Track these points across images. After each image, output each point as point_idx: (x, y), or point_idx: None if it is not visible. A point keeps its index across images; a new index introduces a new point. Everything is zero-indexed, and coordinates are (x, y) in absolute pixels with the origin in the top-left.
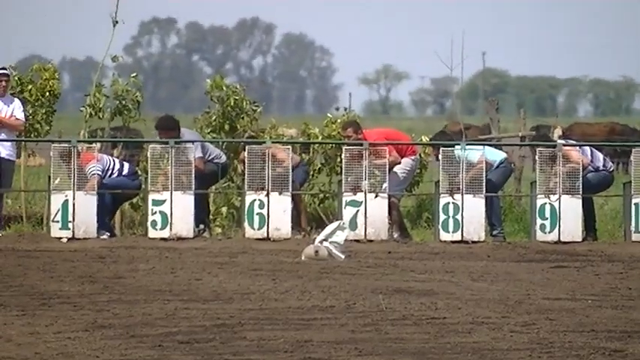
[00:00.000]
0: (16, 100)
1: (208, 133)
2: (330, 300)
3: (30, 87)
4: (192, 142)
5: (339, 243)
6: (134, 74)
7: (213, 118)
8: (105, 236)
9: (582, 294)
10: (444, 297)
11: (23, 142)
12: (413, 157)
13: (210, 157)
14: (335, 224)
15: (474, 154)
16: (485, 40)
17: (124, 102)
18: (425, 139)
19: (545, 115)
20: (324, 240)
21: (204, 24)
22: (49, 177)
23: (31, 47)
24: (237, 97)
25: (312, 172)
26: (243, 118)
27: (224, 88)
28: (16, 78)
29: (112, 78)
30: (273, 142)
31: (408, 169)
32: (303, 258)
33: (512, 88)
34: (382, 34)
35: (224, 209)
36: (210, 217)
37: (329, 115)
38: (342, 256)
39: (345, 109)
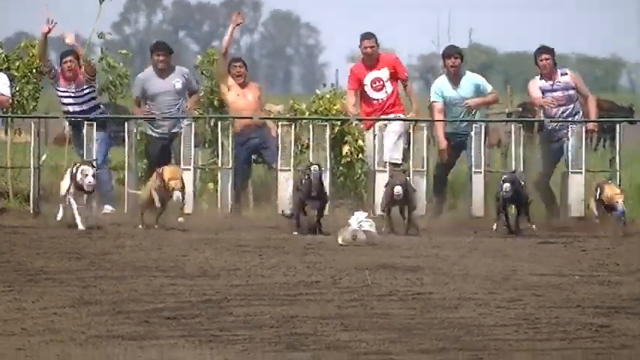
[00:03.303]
0: (1, 74)
1: (196, 109)
2: (315, 276)
3: (17, 63)
4: (180, 117)
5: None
6: (124, 51)
7: (202, 94)
8: (108, 210)
9: (569, 270)
10: (431, 272)
11: (9, 119)
12: None
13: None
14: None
15: None
16: (473, 16)
17: (111, 77)
18: (412, 114)
19: None
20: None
21: (191, 0)
22: (33, 152)
23: (19, 25)
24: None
25: (299, 148)
26: None
27: (214, 63)
28: (3, 55)
29: (100, 55)
30: (260, 118)
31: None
32: (340, 241)
33: (499, 65)
34: (369, 11)
35: (211, 185)
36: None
37: (317, 91)
38: (377, 234)
39: (333, 86)
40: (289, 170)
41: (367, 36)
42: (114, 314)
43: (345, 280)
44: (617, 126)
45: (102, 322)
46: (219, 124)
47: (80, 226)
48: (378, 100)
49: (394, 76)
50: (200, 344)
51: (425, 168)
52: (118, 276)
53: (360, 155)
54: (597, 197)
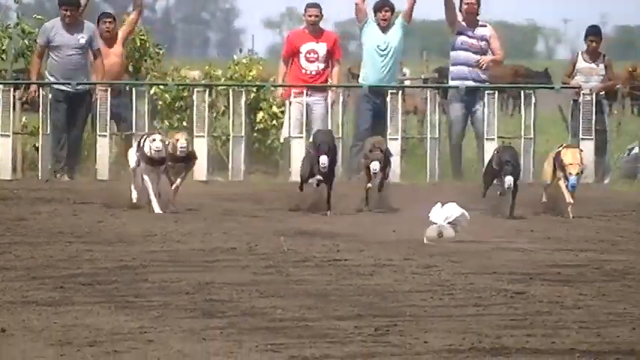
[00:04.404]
0: None
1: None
2: (232, 242)
3: None
4: (92, 83)
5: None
6: (39, 16)
7: None
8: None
9: (485, 236)
10: (347, 239)
11: None
12: None
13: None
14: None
15: None
16: None
17: (27, 42)
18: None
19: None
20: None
21: None
22: None
23: None
24: (143, 38)
25: (215, 115)
26: (146, 60)
27: None
28: None
29: (16, 20)
30: (176, 85)
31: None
32: (425, 241)
33: (417, 31)
34: None
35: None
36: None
37: (235, 56)
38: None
39: (249, 51)
40: (204, 137)
41: (313, 4)
42: (29, 280)
43: (262, 247)
44: (524, 92)
45: (17, 288)
46: (133, 90)
47: (157, 210)
48: (307, 71)
49: (330, 55)
50: (116, 310)
51: (340, 135)
52: (34, 242)
53: (275, 122)
54: (555, 160)
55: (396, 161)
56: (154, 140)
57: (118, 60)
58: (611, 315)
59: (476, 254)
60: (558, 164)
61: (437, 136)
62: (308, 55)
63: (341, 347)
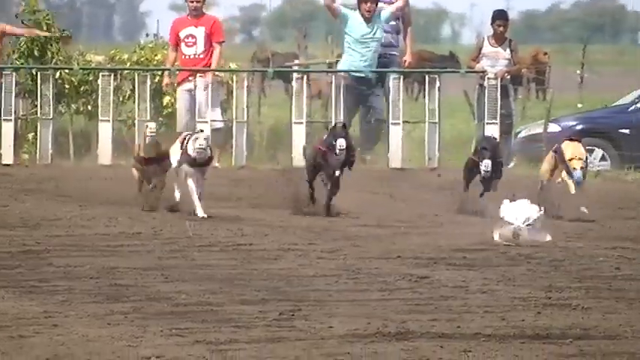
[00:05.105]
0: None
1: (16, 59)
2: (137, 227)
3: None
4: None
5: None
6: None
7: (22, 43)
8: None
9: (389, 221)
10: (251, 223)
11: None
12: None
13: None
14: (536, 212)
15: None
16: None
17: None
18: (233, 65)
19: None
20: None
21: None
22: None
23: None
24: (49, 22)
25: (121, 99)
26: (52, 45)
27: (39, 11)
28: None
29: None
30: (81, 69)
31: None
32: (496, 238)
33: (322, 15)
34: None
35: (30, 136)
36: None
37: (141, 40)
38: (548, 237)
39: (155, 36)
40: (109, 121)
41: None
42: None
43: (167, 232)
44: (429, 76)
45: None
46: (39, 74)
47: (201, 214)
48: (186, 56)
49: (209, 38)
50: (20, 295)
51: (245, 119)
52: None
53: None
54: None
55: (301, 146)
56: (197, 139)
57: None
58: (515, 299)
59: (380, 239)
60: (559, 159)
61: (341, 120)
62: (186, 40)
63: (246, 332)
